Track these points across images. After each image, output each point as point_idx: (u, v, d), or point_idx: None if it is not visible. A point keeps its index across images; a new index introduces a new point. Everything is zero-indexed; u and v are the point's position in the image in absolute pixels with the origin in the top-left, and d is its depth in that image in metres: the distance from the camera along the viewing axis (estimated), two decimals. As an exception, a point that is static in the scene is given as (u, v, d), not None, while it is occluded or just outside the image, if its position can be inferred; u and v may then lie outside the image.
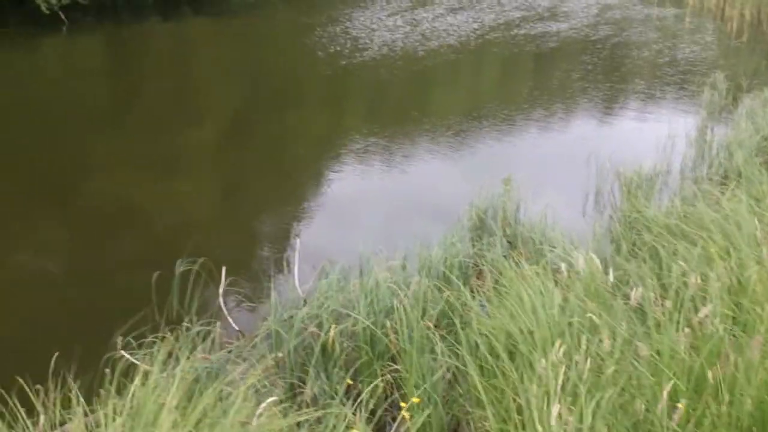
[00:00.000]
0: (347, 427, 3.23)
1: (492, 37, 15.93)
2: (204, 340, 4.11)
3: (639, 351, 3.22)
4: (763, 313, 3.52)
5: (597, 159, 7.32)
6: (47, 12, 14.65)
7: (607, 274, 4.18)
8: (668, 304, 3.62)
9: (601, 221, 6.39)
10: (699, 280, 3.81)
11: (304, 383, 3.85)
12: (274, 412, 3.14)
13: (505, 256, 5.01)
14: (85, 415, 3.10)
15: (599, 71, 13.28)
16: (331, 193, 7.65)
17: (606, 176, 7.11)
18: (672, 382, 3.03)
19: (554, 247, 5.02)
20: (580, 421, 2.92)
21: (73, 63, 13.85)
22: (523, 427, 3.04)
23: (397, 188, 7.75)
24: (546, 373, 3.07)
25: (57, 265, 6.04)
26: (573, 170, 7.52)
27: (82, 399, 3.13)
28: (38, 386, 3.24)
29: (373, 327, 4.05)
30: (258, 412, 3.06)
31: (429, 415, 3.49)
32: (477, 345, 3.70)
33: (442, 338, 3.93)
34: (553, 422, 2.84)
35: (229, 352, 4.12)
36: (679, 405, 2.91)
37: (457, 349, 3.76)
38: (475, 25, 16.87)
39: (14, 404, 3.13)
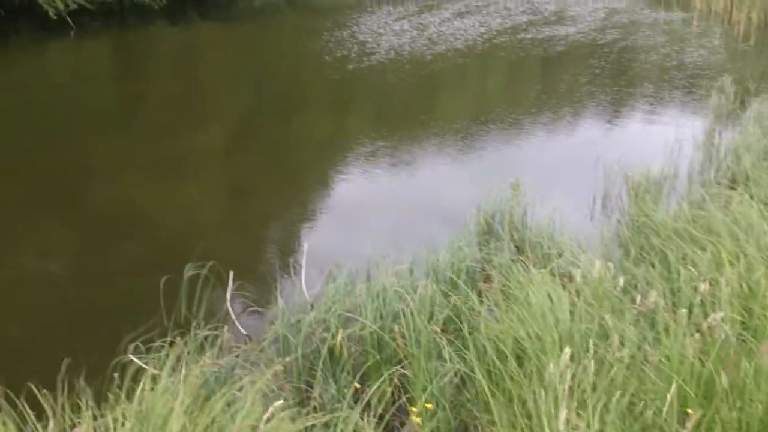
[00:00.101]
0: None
1: (499, 41, 15.94)
2: (212, 344, 4.11)
3: (648, 356, 3.21)
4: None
5: (605, 163, 7.30)
6: (55, 17, 14.77)
7: (615, 278, 4.17)
8: (677, 309, 3.61)
9: (609, 225, 6.36)
10: (708, 285, 3.79)
11: (311, 387, 3.85)
12: (282, 416, 3.14)
13: (512, 261, 5.00)
14: (94, 419, 3.11)
15: (607, 75, 13.26)
16: (339, 197, 7.66)
17: (614, 180, 7.09)
18: (681, 387, 3.02)
19: (562, 252, 5.00)
20: (589, 426, 2.91)
21: (80, 67, 13.93)
22: (532, 432, 3.03)
23: (404, 192, 7.75)
24: (554, 378, 3.06)
25: (65, 268, 6.06)
26: (580, 174, 7.51)
27: (91, 403, 3.13)
28: (47, 390, 3.25)
29: (380, 331, 4.04)
30: (266, 416, 3.06)
31: (437, 420, 3.49)
32: (485, 349, 3.70)
33: (450, 342, 3.93)
34: (561, 427, 2.83)
35: (237, 356, 4.12)
36: (689, 411, 2.89)
37: (465, 353, 3.76)
38: (482, 29, 16.89)
39: (23, 408, 3.14)
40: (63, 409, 3.16)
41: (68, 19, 15.02)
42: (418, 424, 3.38)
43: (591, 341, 3.31)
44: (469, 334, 3.86)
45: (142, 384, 3.21)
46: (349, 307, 4.40)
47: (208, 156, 8.83)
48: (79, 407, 3.13)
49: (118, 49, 15.29)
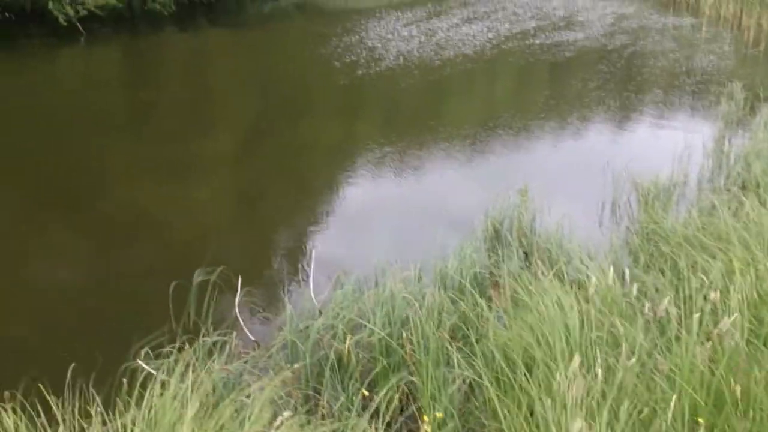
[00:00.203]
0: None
1: (507, 46, 15.93)
2: (221, 350, 4.12)
3: (658, 365, 3.20)
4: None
5: (613, 169, 7.28)
6: (65, 24, 14.88)
7: (624, 286, 4.15)
8: (688, 317, 3.59)
9: (618, 232, 6.34)
10: (718, 293, 3.77)
11: (319, 394, 3.85)
12: (290, 423, 3.14)
13: (521, 268, 4.99)
14: (104, 424, 3.13)
15: (615, 80, 13.24)
16: (347, 203, 7.67)
17: (623, 186, 7.07)
18: (691, 396, 3.00)
19: (571, 259, 4.99)
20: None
21: (90, 73, 14.01)
22: (541, 441, 3.02)
23: (412, 198, 7.75)
24: (564, 386, 3.05)
25: (75, 273, 6.08)
26: (589, 180, 7.49)
27: (100, 408, 3.15)
28: (56, 396, 3.27)
29: (388, 338, 4.04)
30: (276, 423, 3.06)
31: (446, 429, 3.48)
32: (493, 357, 3.69)
33: (458, 350, 3.92)
34: (571, 436, 2.82)
35: (246, 362, 4.12)
36: (700, 420, 2.88)
37: (473, 360, 3.75)
38: (491, 35, 16.90)
39: (34, 413, 3.16)
40: (72, 414, 3.17)
41: (78, 25, 15.13)
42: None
43: (601, 349, 3.30)
44: (478, 341, 3.85)
45: (150, 390, 3.22)
46: (357, 313, 4.40)
47: (217, 161, 8.85)
48: (89, 413, 3.14)
49: (128, 56, 15.37)
